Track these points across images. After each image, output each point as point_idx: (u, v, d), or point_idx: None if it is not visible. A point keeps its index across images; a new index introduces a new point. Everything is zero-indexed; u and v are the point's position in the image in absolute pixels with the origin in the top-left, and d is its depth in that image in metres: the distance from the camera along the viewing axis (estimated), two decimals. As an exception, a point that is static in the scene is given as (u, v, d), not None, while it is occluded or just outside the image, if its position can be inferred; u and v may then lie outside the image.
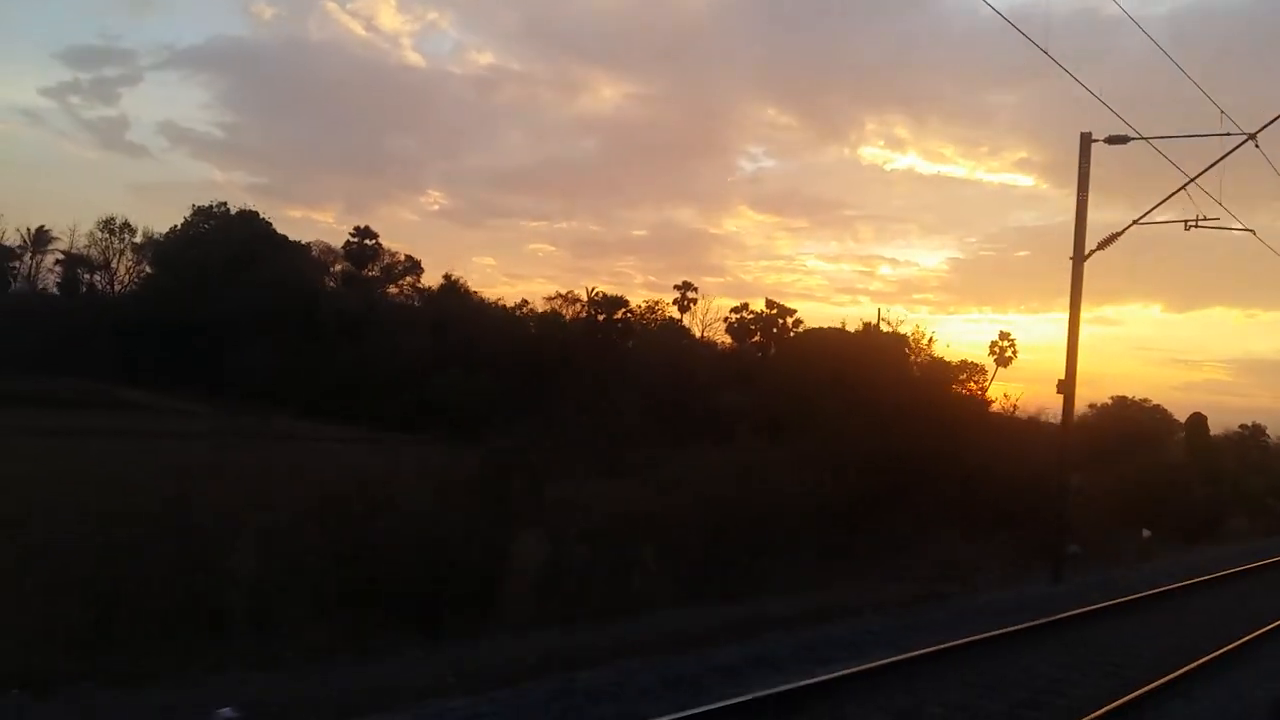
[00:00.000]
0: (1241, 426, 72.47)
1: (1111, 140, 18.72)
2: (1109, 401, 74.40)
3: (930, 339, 42.71)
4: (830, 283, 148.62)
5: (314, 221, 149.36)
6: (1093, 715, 8.69)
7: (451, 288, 56.23)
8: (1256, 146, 17.51)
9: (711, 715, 7.64)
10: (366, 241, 75.93)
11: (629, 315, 60.69)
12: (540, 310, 60.17)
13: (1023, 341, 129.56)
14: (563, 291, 61.16)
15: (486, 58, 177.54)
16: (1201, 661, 11.27)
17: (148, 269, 67.98)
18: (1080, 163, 19.41)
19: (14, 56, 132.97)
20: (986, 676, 10.18)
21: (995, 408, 56.91)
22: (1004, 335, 74.56)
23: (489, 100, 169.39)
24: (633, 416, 41.55)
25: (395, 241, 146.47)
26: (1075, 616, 13.70)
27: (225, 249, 64.12)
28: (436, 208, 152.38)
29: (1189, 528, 34.75)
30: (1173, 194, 18.83)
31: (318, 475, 15.12)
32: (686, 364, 62.21)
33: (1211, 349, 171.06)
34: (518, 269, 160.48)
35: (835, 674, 9.30)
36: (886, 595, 14.75)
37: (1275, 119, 17.28)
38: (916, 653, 10.39)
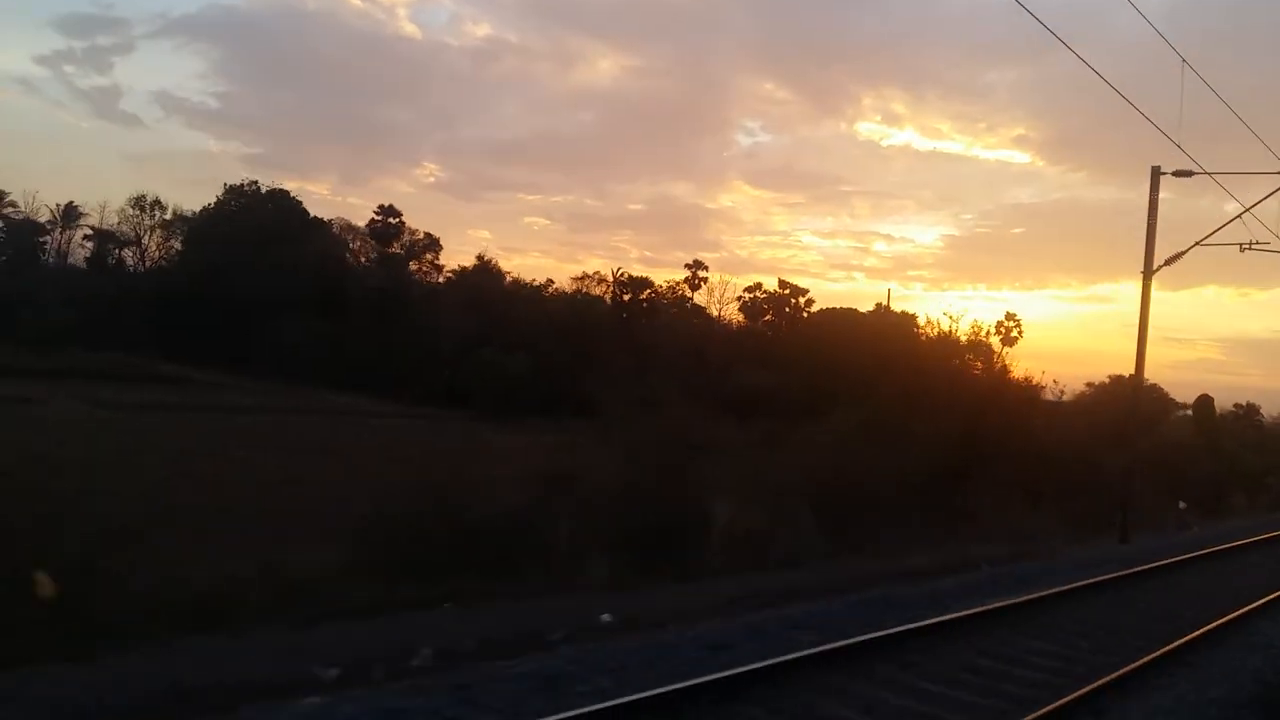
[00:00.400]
0: (1236, 406, 75.49)
1: (1178, 174, 20.49)
2: (1106, 380, 77.35)
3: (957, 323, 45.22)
4: (826, 259, 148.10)
5: (309, 193, 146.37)
6: (1212, 625, 11.08)
7: (484, 268, 58.00)
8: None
9: (960, 620, 9.87)
10: (390, 220, 77.68)
11: (654, 295, 62.82)
12: (567, 290, 62.11)
13: (1017, 319, 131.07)
14: (589, 272, 63.13)
15: (483, 29, 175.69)
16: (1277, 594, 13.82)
17: (178, 245, 69.30)
18: (1150, 194, 21.41)
19: (9, 24, 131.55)
20: (1114, 604, 12.61)
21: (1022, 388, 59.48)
22: (1010, 315, 77.09)
23: (485, 72, 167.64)
24: (673, 394, 43.70)
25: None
26: (1159, 567, 16.08)
27: (256, 226, 65.64)
28: (432, 180, 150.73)
29: (1201, 502, 37.34)
30: (1228, 222, 20.93)
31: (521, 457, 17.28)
32: (710, 344, 64.37)
33: (1205, 327, 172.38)
34: (513, 242, 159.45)
35: (1017, 600, 11.55)
36: (989, 553, 17.03)
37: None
38: (1059, 589, 12.70)
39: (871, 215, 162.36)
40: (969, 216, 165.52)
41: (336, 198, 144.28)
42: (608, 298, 60.96)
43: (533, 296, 56.97)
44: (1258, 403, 76.29)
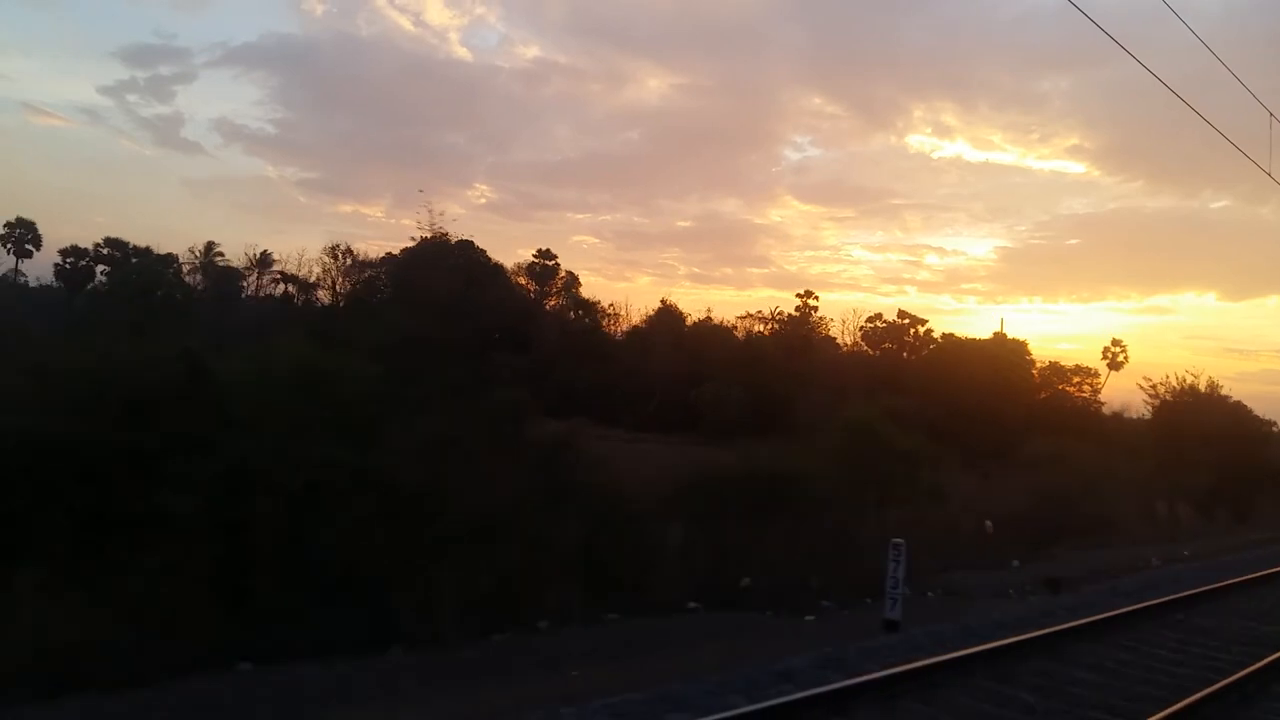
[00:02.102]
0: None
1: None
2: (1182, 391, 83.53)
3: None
4: (876, 273, 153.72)
5: (363, 215, 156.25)
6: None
7: (667, 310, 66.78)
8: None
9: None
10: (546, 262, 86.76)
11: (812, 328, 71.52)
12: (728, 324, 70.86)
13: (1073, 331, 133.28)
14: (751, 312, 71.76)
15: (533, 51, 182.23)
16: None
17: (381, 288, 78.56)
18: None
19: (74, 55, 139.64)
20: None
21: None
22: (1116, 341, 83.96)
23: (535, 93, 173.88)
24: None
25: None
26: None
27: (451, 272, 74.88)
28: (484, 201, 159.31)
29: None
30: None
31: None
32: (854, 371, 72.59)
33: (1268, 338, 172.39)
34: (563, 261, 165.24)
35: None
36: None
37: None
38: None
39: (923, 228, 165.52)
40: (1023, 228, 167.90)
41: (390, 220, 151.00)
42: (768, 333, 69.71)
43: (715, 335, 65.59)
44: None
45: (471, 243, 79.78)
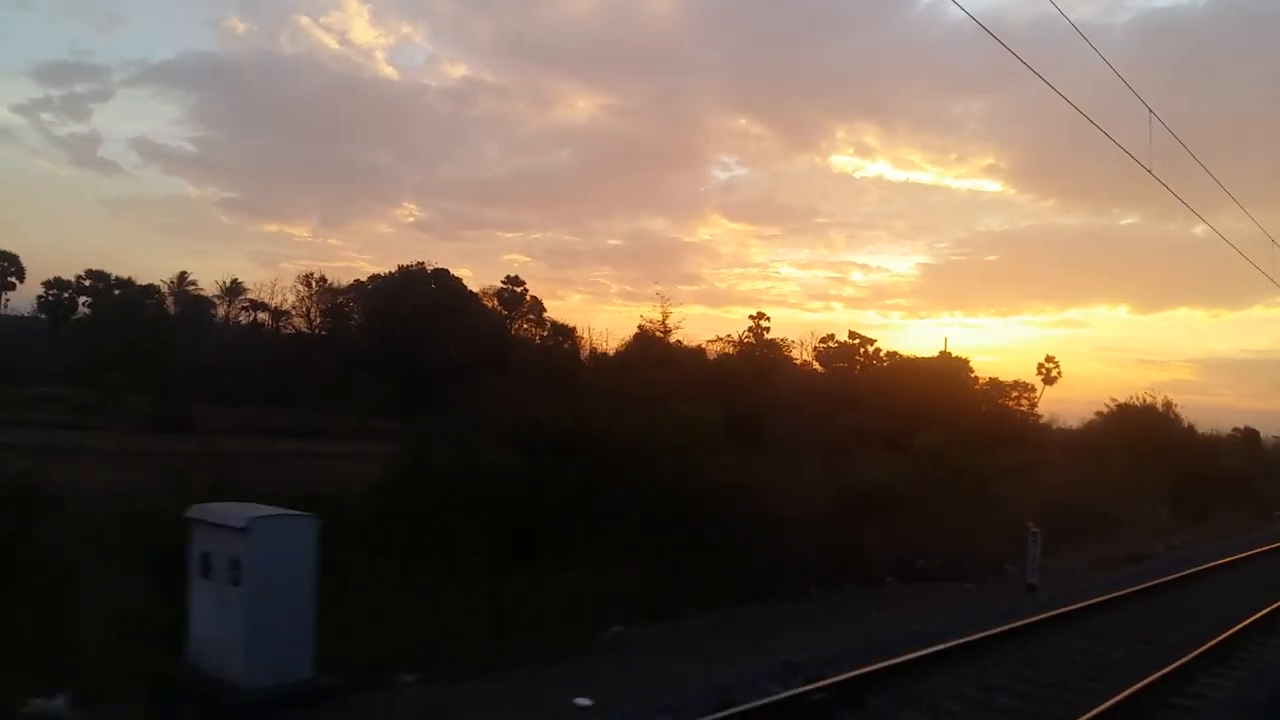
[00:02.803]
0: (1235, 430, 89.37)
1: None
2: (1115, 407, 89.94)
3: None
4: (804, 289, 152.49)
5: (289, 235, 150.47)
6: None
7: (644, 335, 70.42)
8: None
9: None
10: (515, 288, 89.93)
11: (777, 349, 76.06)
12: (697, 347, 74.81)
13: (994, 344, 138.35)
14: (721, 335, 76.01)
15: (460, 70, 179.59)
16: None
17: (355, 317, 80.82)
18: None
19: None
20: None
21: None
22: (1049, 358, 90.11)
23: (463, 112, 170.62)
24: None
25: (370, 254, 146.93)
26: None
27: (427, 300, 77.59)
28: (412, 220, 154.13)
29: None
30: None
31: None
32: (813, 389, 77.11)
33: (1177, 349, 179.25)
34: (494, 280, 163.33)
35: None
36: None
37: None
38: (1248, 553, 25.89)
39: (847, 246, 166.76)
40: (943, 245, 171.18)
41: (317, 239, 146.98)
42: (735, 353, 73.86)
43: (691, 357, 69.40)
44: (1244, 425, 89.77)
45: (446, 271, 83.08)
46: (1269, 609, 16.79)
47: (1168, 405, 53.90)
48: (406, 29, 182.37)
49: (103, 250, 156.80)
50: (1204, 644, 13.50)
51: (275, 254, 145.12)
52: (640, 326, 71.41)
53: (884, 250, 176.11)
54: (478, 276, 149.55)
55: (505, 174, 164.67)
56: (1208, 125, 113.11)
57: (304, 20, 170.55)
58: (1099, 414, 70.67)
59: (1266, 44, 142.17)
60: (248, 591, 8.65)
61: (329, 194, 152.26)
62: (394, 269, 78.41)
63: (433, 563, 14.05)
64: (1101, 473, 35.47)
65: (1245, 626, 15.20)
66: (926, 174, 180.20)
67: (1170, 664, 12.16)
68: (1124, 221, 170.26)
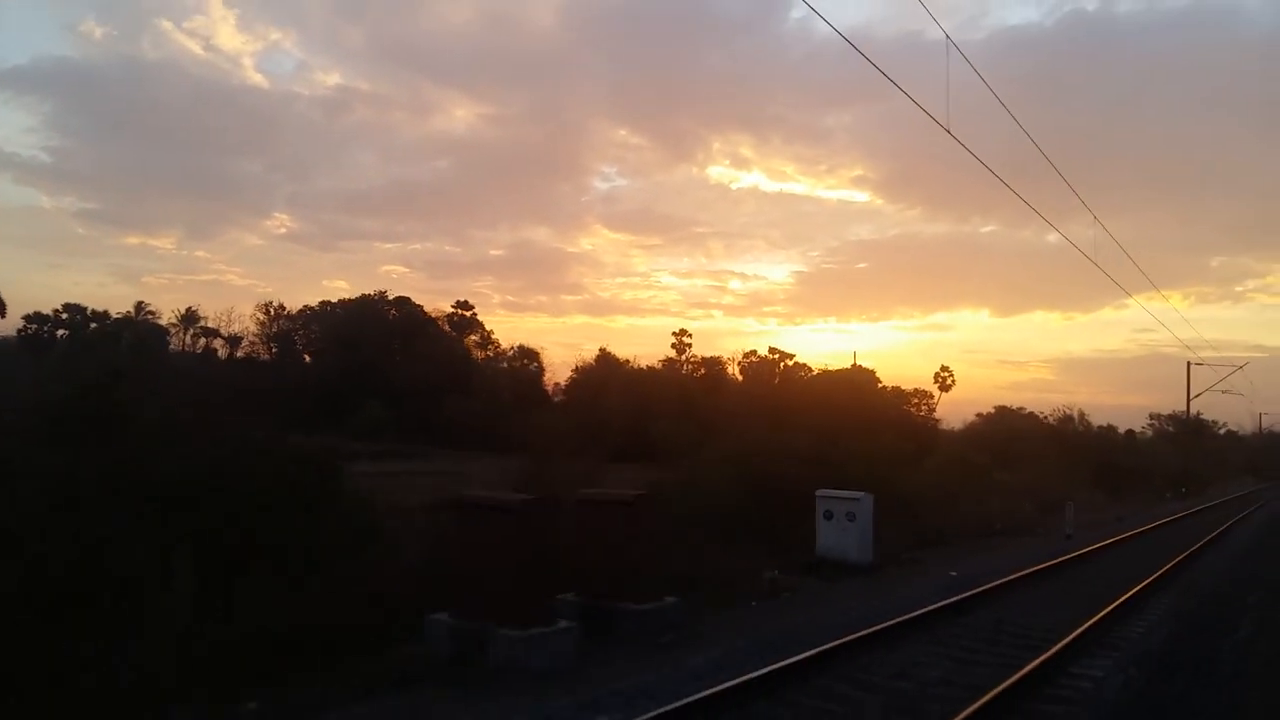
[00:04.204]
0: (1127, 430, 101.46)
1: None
2: (993, 411, 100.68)
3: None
4: (685, 298, 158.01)
5: (152, 247, 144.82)
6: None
7: (605, 356, 77.17)
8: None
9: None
10: (464, 312, 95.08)
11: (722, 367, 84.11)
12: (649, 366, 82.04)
13: (864, 349, 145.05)
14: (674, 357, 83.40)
15: (334, 78, 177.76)
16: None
17: (315, 342, 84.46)
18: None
19: None
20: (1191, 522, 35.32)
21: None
22: (944, 368, 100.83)
23: (337, 121, 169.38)
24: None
25: (239, 267, 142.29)
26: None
27: (387, 326, 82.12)
28: (284, 230, 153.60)
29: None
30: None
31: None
32: (749, 405, 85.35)
33: (1035, 350, 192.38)
34: (371, 292, 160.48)
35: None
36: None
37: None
38: (1183, 514, 35.32)
39: (725, 255, 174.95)
40: (816, 253, 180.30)
41: (182, 251, 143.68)
42: (690, 373, 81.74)
43: (646, 376, 76.32)
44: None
45: (408, 299, 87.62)
46: (1221, 529, 31.64)
47: (1081, 414, 66.25)
48: (275, 35, 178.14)
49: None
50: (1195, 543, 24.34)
51: (138, 267, 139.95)
52: (601, 349, 78.38)
53: (761, 259, 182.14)
54: (354, 288, 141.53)
55: (383, 183, 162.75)
56: (1058, 137, 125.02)
57: (166, 24, 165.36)
58: (979, 416, 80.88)
59: (1109, 61, 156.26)
60: (860, 525, 19.84)
61: (195, 205, 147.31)
62: (275, 283, 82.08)
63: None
64: (1033, 469, 44.83)
65: (1214, 537, 29.02)
66: (799, 184, 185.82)
67: (1177, 557, 22.48)
68: (984, 229, 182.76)
